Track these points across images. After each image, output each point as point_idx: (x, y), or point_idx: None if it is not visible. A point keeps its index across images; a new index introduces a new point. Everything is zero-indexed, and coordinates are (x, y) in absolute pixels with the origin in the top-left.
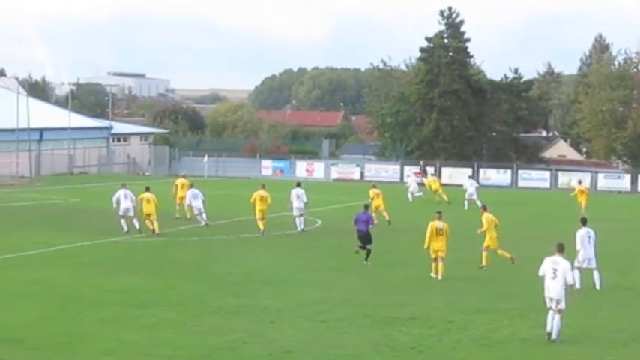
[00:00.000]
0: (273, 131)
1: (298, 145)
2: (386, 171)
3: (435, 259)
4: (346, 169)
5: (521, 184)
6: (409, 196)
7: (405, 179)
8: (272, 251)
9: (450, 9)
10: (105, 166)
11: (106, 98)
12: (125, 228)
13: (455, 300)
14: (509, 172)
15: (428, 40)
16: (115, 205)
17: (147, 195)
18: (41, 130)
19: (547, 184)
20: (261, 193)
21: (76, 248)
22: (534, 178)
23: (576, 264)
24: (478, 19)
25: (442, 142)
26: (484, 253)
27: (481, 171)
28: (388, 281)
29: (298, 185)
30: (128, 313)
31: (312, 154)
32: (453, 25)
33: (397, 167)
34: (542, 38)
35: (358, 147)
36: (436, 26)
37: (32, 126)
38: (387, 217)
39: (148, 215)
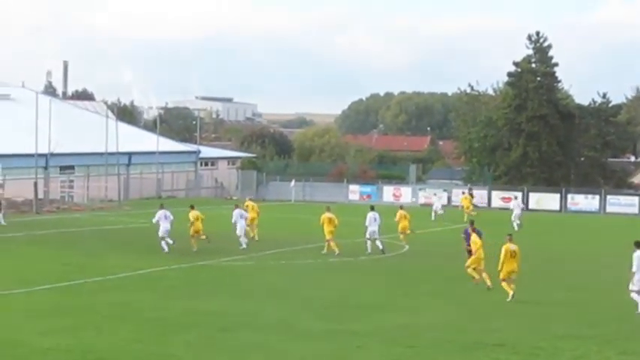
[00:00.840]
0: (359, 156)
1: (385, 169)
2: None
3: (509, 280)
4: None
5: (609, 209)
6: (433, 215)
7: (432, 198)
8: (359, 275)
9: (537, 33)
10: (193, 190)
11: (194, 122)
12: (166, 249)
13: (541, 326)
14: (597, 197)
15: (515, 64)
16: (156, 224)
17: (198, 213)
18: (129, 154)
19: (635, 210)
20: (329, 215)
21: (162, 271)
22: (623, 204)
23: (631, 287)
24: (566, 44)
25: (530, 167)
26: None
27: (569, 196)
28: (475, 305)
29: (372, 209)
30: (214, 336)
31: (399, 179)
32: (540, 50)
33: (484, 192)
34: (630, 62)
35: (445, 172)
36: (524, 50)
37: (121, 150)
38: (405, 242)
39: (197, 232)
